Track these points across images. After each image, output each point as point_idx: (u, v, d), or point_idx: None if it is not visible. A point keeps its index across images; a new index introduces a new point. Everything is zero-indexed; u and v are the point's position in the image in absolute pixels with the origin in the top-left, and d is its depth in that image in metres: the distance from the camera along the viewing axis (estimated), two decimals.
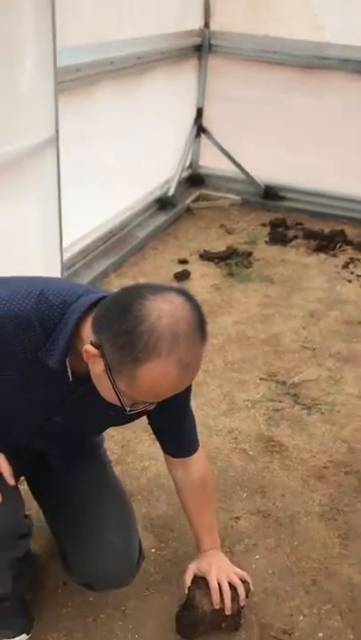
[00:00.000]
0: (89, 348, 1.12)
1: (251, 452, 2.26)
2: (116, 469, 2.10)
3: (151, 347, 1.04)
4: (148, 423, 1.54)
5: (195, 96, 4.47)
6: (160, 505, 2.01)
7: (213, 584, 1.56)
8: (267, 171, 4.47)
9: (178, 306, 1.08)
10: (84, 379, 1.23)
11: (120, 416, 1.39)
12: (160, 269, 3.55)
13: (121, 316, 1.07)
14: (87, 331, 1.16)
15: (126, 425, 2.25)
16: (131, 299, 1.08)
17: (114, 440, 2.24)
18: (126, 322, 1.05)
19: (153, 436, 2.25)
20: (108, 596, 1.69)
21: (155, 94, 3.82)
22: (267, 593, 1.76)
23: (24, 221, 2.65)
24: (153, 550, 1.85)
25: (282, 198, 4.53)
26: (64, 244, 2.94)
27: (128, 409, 1.15)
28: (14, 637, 1.57)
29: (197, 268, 3.59)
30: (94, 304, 1.18)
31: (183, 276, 3.43)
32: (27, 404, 1.29)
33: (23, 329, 1.17)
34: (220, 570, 1.58)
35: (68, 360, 1.20)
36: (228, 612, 1.56)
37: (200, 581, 1.59)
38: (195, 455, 1.56)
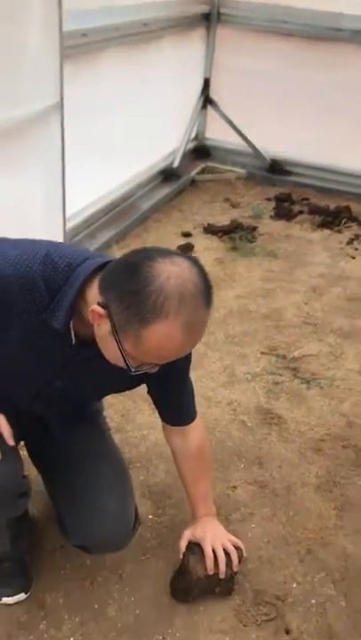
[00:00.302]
0: (96, 308, 1.12)
1: (249, 424, 2.28)
2: (116, 437, 2.12)
3: (159, 307, 1.05)
4: (148, 392, 1.56)
5: (202, 66, 4.41)
6: (158, 473, 2.03)
7: (208, 551, 1.59)
8: (273, 144, 4.42)
9: (186, 269, 1.09)
10: (87, 343, 1.23)
11: (120, 382, 1.41)
12: (163, 242, 3.53)
13: (129, 277, 1.08)
14: (92, 294, 1.17)
15: (126, 394, 2.28)
16: (140, 260, 1.09)
17: (114, 409, 2.26)
18: (135, 282, 1.07)
19: (152, 406, 2.27)
20: (104, 559, 1.72)
21: (161, 63, 3.76)
22: (261, 561, 1.79)
23: (27, 189, 2.63)
24: (150, 517, 1.88)
25: (288, 173, 4.49)
26: (67, 214, 2.92)
27: (133, 370, 1.16)
28: (13, 596, 1.60)
29: (201, 242, 3.57)
30: (100, 268, 1.19)
31: (186, 249, 3.42)
32: (29, 366, 1.29)
33: (29, 289, 1.17)
34: (214, 537, 1.61)
35: (71, 323, 1.21)
36: (222, 576, 1.59)
37: (195, 547, 1.62)
38: (193, 424, 1.58)
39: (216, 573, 1.59)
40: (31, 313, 1.20)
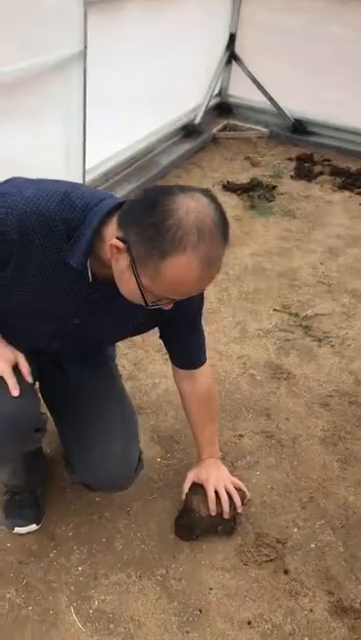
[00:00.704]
0: (115, 241, 1.15)
1: (258, 378, 2.32)
2: (128, 385, 2.18)
3: (178, 240, 1.08)
4: (160, 336, 1.59)
5: (228, 21, 4.32)
6: (168, 419, 2.09)
7: (210, 493, 1.65)
8: (297, 104, 4.35)
9: (205, 204, 1.11)
10: (104, 283, 1.27)
11: (135, 324, 1.44)
12: None
13: (149, 211, 1.10)
14: (109, 232, 1.19)
15: (139, 344, 2.33)
16: (159, 194, 1.12)
17: (127, 358, 2.31)
18: (154, 215, 1.09)
19: (165, 356, 2.34)
20: (113, 497, 1.79)
21: (186, 17, 3.69)
22: (264, 506, 1.85)
23: (47, 139, 2.64)
24: (158, 460, 1.94)
25: (311, 133, 4.42)
26: (86, 166, 2.93)
27: (150, 304, 1.19)
28: (25, 526, 1.68)
29: (220, 199, 3.51)
30: (117, 207, 1.21)
31: None
32: (48, 304, 1.33)
33: (48, 226, 1.20)
34: (217, 479, 1.67)
35: (88, 262, 1.24)
36: (226, 516, 1.65)
37: (198, 489, 1.68)
38: (202, 368, 1.62)
39: (218, 514, 1.65)
40: (49, 251, 1.23)
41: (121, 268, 1.18)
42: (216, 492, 1.66)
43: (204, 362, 1.63)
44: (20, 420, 1.37)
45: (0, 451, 1.49)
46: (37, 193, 1.21)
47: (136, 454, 1.61)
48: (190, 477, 1.70)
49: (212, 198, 1.15)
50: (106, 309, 1.36)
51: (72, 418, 1.61)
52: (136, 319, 1.42)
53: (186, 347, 1.59)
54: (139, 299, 1.20)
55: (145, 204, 1.12)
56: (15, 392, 1.34)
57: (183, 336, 1.55)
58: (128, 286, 1.20)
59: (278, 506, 1.86)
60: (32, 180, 1.28)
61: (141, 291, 1.17)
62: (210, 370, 1.67)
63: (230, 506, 1.66)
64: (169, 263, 1.10)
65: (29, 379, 1.38)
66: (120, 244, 1.14)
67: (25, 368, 1.38)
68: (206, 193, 1.15)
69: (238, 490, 1.69)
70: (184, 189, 1.13)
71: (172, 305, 1.24)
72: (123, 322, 1.42)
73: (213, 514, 1.65)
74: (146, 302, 1.19)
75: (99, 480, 1.59)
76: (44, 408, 1.71)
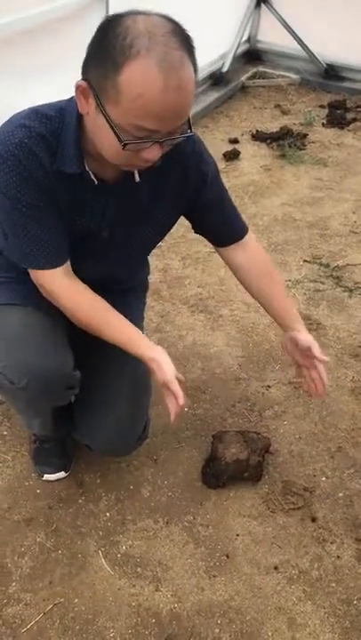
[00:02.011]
0: (79, 82, 1.08)
1: None
2: (155, 337, 2.18)
3: (128, 46, 0.99)
4: (193, 228, 1.52)
5: None
6: (195, 370, 2.08)
7: (318, 354, 1.52)
8: (330, 49, 4.17)
9: (154, 16, 1.04)
10: (113, 185, 1.25)
11: (159, 218, 1.40)
12: (210, 149, 3.43)
13: (99, 36, 1.04)
14: (79, 103, 1.13)
15: (166, 297, 2.30)
16: (107, 20, 1.05)
17: (154, 311, 2.30)
18: (104, 38, 1.03)
19: (191, 309, 2.32)
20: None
21: None
22: (292, 455, 1.84)
23: (68, 87, 2.59)
24: (186, 410, 1.94)
25: (343, 79, 4.25)
26: None
27: (123, 139, 1.07)
28: (54, 473, 1.71)
29: (248, 149, 3.47)
30: None
31: (233, 155, 3.33)
32: (74, 223, 1.30)
33: (43, 144, 1.17)
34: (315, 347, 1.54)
35: (86, 164, 1.21)
36: (322, 395, 1.58)
37: (223, 435, 1.69)
38: (247, 237, 1.53)
39: (243, 460, 1.65)
40: (49, 168, 1.19)
41: (92, 117, 1.10)
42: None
43: (247, 229, 1.54)
44: (52, 376, 1.36)
45: (31, 405, 1.51)
46: (12, 122, 1.18)
47: (141, 424, 1.58)
48: (287, 340, 1.59)
49: (166, 16, 1.06)
50: (127, 210, 1.32)
51: (84, 373, 1.52)
52: (160, 213, 1.38)
53: (223, 222, 1.49)
54: (115, 145, 1.08)
55: (95, 36, 1.05)
56: (181, 400, 1.32)
57: (216, 217, 1.47)
58: (103, 134, 1.10)
59: (306, 455, 1.85)
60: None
61: (111, 125, 1.06)
62: (255, 238, 1.58)
63: (254, 452, 1.65)
64: (125, 74, 1.00)
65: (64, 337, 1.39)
66: (82, 83, 1.07)
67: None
68: (160, 13, 1.06)
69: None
70: (133, 10, 1.05)
71: (156, 152, 1.11)
72: (147, 219, 1.37)
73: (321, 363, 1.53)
74: (119, 139, 1.07)
75: (97, 444, 1.58)
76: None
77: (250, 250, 1.53)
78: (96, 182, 1.24)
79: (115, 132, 1.07)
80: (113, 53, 1.00)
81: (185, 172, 1.34)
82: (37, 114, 1.18)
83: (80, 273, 1.36)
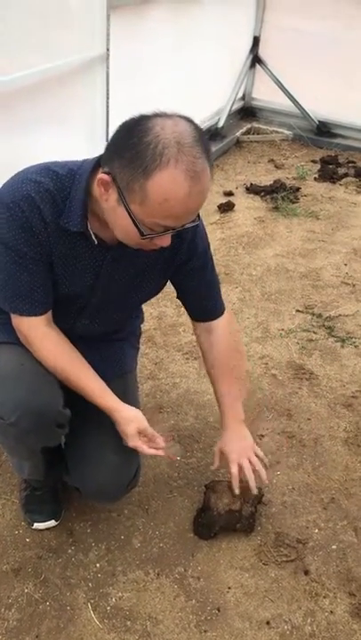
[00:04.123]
0: (101, 176, 1.15)
1: (280, 378, 2.30)
2: (148, 384, 2.18)
3: (159, 155, 1.08)
4: (177, 296, 1.58)
5: (252, 24, 4.33)
6: (188, 418, 2.08)
7: (233, 471, 1.62)
8: (321, 106, 4.34)
9: (180, 122, 1.11)
10: (110, 246, 1.31)
11: (150, 281, 1.46)
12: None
13: (127, 136, 1.11)
14: (99, 191, 1.20)
15: (160, 344, 2.32)
16: (134, 120, 1.13)
17: (148, 358, 2.31)
18: (132, 138, 1.10)
19: (185, 356, 2.33)
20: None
21: (210, 20, 3.71)
22: (285, 506, 1.83)
23: (69, 140, 2.67)
24: (178, 458, 1.93)
25: (335, 135, 4.40)
26: None
27: (145, 234, 1.18)
28: (44, 522, 1.69)
29: (242, 201, 3.56)
30: (99, 161, 1.22)
31: (227, 207, 3.41)
32: (67, 279, 1.35)
33: (49, 200, 1.23)
34: (240, 453, 1.63)
35: (89, 225, 1.27)
36: (253, 490, 1.63)
37: (216, 485, 1.67)
38: (221, 320, 1.59)
39: (236, 511, 1.64)
40: (50, 224, 1.25)
41: (112, 205, 1.18)
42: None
43: (222, 312, 1.59)
44: (42, 412, 1.36)
45: (21, 444, 1.49)
46: (24, 176, 1.24)
47: (132, 469, 1.57)
48: (217, 452, 1.67)
49: (188, 119, 1.14)
50: (121, 271, 1.38)
51: (75, 416, 1.51)
52: (151, 276, 1.44)
53: (200, 297, 1.56)
54: (134, 234, 1.18)
55: (122, 133, 1.13)
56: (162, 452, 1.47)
57: (197, 286, 1.53)
58: (121, 223, 1.19)
59: (299, 506, 1.83)
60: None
61: (134, 220, 1.16)
62: (232, 321, 1.63)
63: (247, 502, 1.64)
64: (154, 180, 1.09)
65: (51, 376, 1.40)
66: (105, 177, 1.15)
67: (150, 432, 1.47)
68: (182, 115, 1.15)
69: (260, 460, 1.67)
70: (159, 113, 1.13)
71: (168, 240, 1.23)
72: (139, 282, 1.43)
73: (238, 492, 1.62)
74: (141, 232, 1.17)
75: (88, 487, 1.56)
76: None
77: (215, 335, 1.60)
78: (96, 242, 1.30)
79: (135, 224, 1.16)
80: (142, 159, 1.08)
81: (180, 244, 1.41)
82: (49, 171, 1.26)
83: (75, 330, 1.45)
